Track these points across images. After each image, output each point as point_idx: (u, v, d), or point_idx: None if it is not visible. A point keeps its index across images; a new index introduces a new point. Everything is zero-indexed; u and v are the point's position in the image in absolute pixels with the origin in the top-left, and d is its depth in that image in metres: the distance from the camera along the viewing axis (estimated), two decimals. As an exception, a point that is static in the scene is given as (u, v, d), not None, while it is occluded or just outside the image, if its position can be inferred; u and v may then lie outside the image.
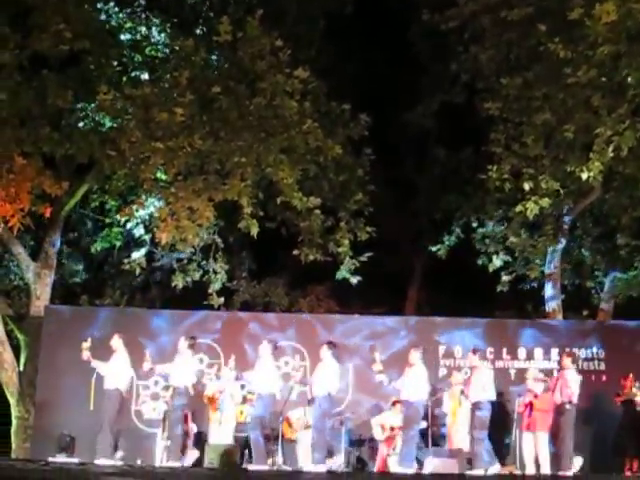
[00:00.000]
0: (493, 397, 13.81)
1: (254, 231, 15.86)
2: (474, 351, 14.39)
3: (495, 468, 13.82)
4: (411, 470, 13.13)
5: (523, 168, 16.14)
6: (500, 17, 16.01)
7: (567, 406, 13.71)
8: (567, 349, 15.44)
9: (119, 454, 13.54)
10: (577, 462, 13.95)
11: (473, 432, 13.78)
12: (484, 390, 13.73)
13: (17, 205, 15.18)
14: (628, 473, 14.23)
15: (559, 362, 15.15)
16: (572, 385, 13.76)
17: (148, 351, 14.51)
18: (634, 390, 14.52)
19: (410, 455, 13.25)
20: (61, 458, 13.74)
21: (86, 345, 13.95)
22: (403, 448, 13.40)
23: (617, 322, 17.98)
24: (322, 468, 13.00)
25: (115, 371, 13.71)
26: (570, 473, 13.48)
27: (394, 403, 14.66)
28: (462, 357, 15.92)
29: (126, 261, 18.16)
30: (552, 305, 18.28)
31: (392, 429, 14.57)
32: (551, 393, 14.04)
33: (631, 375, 14.75)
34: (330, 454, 13.87)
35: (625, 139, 14.70)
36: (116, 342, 13.96)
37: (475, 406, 13.78)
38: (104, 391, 13.75)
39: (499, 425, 14.55)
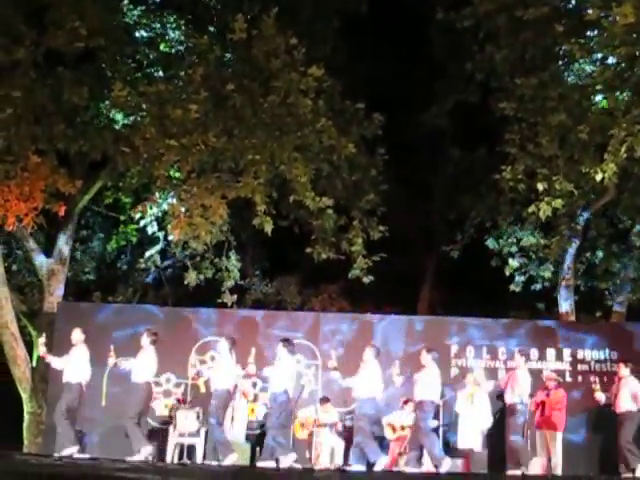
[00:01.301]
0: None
1: (268, 228, 15.87)
2: (520, 352, 14.51)
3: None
4: (424, 469, 13.20)
5: (537, 168, 16.12)
6: (515, 16, 16.00)
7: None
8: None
9: (147, 451, 13.50)
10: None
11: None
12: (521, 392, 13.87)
13: (31, 204, 15.25)
14: None
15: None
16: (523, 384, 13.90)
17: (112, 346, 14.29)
18: None
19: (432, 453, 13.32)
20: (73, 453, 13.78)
21: (41, 341, 14.10)
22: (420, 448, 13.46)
23: (630, 324, 17.89)
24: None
25: (74, 365, 13.79)
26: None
27: (405, 402, 14.66)
28: (474, 357, 15.90)
29: (141, 260, 18.27)
30: (565, 306, 18.29)
31: (402, 428, 14.59)
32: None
33: None
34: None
35: (639, 140, 14.71)
36: (77, 336, 14.00)
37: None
38: (63, 384, 13.77)
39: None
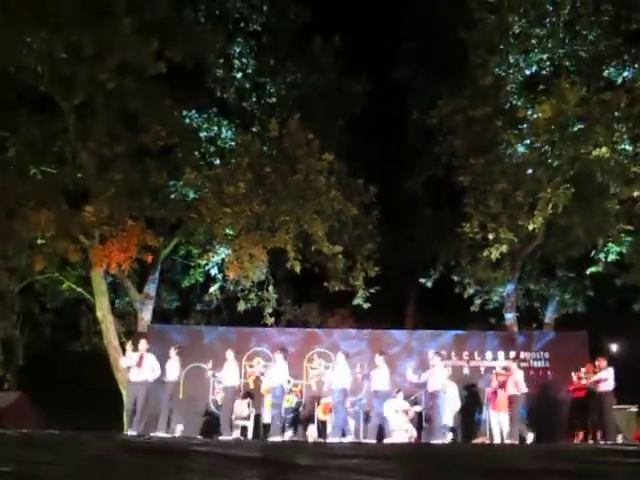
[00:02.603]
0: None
1: (297, 269, 15.88)
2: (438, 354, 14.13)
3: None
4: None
5: (487, 223, 16.15)
6: (468, 115, 16.17)
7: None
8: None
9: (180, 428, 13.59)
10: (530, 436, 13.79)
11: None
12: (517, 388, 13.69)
13: (127, 254, 15.37)
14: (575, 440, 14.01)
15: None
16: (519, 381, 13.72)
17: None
18: (583, 381, 14.17)
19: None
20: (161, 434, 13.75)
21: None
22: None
23: (558, 332, 17.79)
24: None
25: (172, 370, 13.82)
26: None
27: (397, 391, 14.45)
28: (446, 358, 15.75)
29: (206, 294, 18.32)
30: (510, 320, 18.17)
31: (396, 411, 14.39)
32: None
33: (583, 369, 14.23)
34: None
35: (561, 200, 14.78)
36: (172, 352, 13.99)
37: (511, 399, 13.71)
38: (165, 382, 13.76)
39: (475, 406, 14.45)
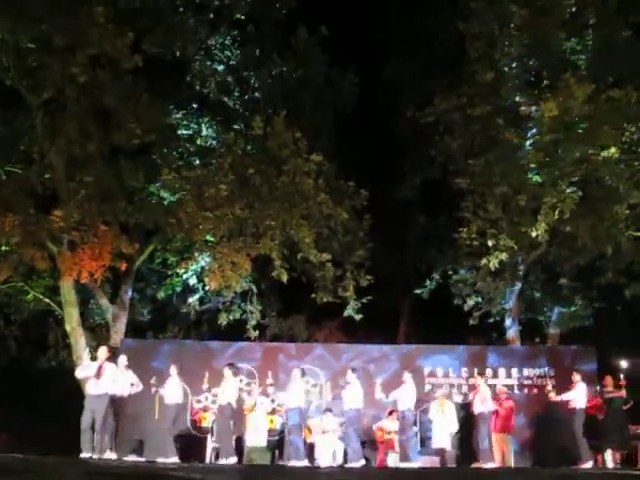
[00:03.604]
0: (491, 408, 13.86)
1: (284, 278, 15.81)
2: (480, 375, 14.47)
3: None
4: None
5: (487, 229, 16.10)
6: (466, 113, 16.12)
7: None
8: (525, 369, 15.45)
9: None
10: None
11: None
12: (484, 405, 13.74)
13: (100, 262, 15.22)
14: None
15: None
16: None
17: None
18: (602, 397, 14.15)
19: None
20: (132, 457, 13.55)
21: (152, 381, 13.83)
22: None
23: (561, 346, 17.74)
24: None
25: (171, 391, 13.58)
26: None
27: (390, 412, 14.44)
28: (443, 376, 15.74)
29: (184, 305, 18.18)
30: (511, 334, 18.12)
31: (389, 433, 14.36)
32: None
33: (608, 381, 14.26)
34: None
35: (566, 205, 14.73)
36: (172, 370, 13.74)
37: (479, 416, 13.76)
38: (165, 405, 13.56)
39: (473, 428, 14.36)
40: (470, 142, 16.61)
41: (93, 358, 13.44)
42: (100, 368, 12.84)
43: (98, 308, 18.70)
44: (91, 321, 19.51)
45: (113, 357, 13.59)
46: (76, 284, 16.50)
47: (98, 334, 19.15)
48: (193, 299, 18.16)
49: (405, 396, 13.38)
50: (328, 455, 14.10)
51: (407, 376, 13.59)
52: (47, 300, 17.85)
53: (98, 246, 15.14)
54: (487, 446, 13.43)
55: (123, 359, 13.57)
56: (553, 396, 13.86)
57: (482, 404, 13.67)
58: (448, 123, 16.86)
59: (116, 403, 13.08)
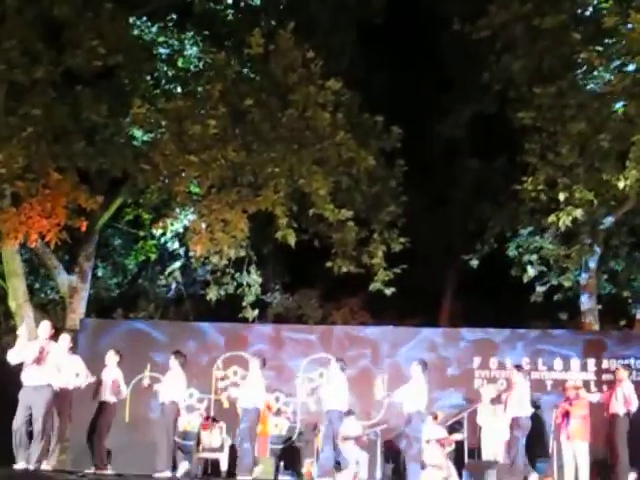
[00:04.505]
0: (529, 412, 13.91)
1: (291, 241, 15.72)
2: (517, 367, 14.46)
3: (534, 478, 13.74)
4: None
5: (558, 178, 15.99)
6: (532, 25, 15.93)
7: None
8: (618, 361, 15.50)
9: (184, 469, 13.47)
10: (631, 477, 13.74)
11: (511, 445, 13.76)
12: (521, 406, 13.79)
13: (53, 220, 15.19)
14: None
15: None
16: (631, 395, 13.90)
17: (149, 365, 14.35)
18: None
19: None
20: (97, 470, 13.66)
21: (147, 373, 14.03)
22: None
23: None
24: None
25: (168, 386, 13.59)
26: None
27: (435, 417, 14.58)
28: (497, 369, 15.82)
29: (162, 276, 18.23)
30: (588, 315, 18.11)
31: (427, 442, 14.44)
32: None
33: None
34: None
35: (662, 147, 14.58)
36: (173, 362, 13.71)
37: (514, 422, 13.81)
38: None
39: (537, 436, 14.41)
40: (537, 64, 16.43)
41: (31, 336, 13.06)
42: (42, 351, 12.28)
43: (51, 280, 18.78)
44: (42, 296, 19.65)
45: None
46: (22, 249, 16.55)
47: (51, 313, 19.30)
48: (173, 268, 18.22)
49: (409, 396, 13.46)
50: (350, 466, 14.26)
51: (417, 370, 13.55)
52: (-15, 270, 17.95)
53: (50, 199, 15.07)
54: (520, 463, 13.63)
55: (66, 340, 13.45)
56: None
57: (519, 406, 13.83)
58: (507, 39, 16.67)
59: (60, 398, 12.80)
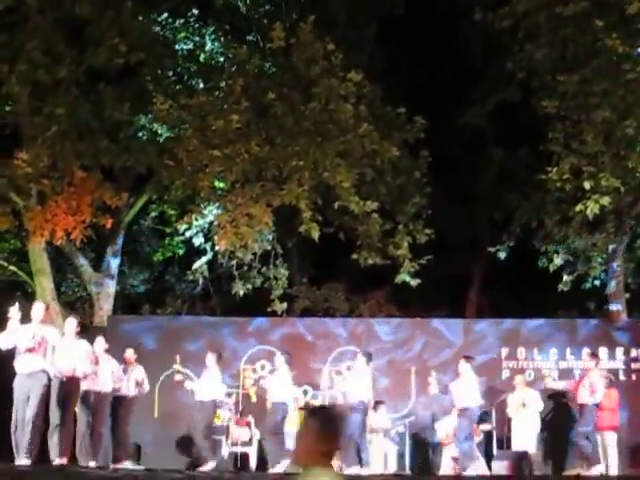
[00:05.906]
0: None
1: (315, 235, 15.75)
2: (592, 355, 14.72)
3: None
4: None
5: (583, 166, 15.91)
6: (555, 13, 15.84)
7: None
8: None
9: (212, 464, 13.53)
10: None
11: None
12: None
13: (78, 217, 15.30)
14: None
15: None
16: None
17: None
18: None
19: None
20: (128, 465, 13.72)
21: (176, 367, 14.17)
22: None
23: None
24: None
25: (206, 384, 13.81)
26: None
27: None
28: (525, 359, 15.78)
29: (189, 272, 18.28)
30: (616, 304, 17.97)
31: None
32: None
33: None
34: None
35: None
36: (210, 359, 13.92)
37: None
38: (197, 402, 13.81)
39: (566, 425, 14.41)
40: (560, 52, 16.33)
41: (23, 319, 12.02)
42: (41, 339, 11.59)
43: (78, 277, 18.87)
44: (69, 294, 19.73)
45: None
46: (49, 247, 16.65)
47: (79, 310, 19.38)
48: (199, 263, 18.25)
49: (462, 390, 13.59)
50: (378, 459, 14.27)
51: (465, 366, 13.82)
52: (12, 268, 18.07)
53: (75, 197, 15.20)
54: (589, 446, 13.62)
55: (72, 324, 12.52)
56: None
57: (590, 394, 13.83)
58: (530, 28, 16.57)
59: (65, 385, 12.05)
